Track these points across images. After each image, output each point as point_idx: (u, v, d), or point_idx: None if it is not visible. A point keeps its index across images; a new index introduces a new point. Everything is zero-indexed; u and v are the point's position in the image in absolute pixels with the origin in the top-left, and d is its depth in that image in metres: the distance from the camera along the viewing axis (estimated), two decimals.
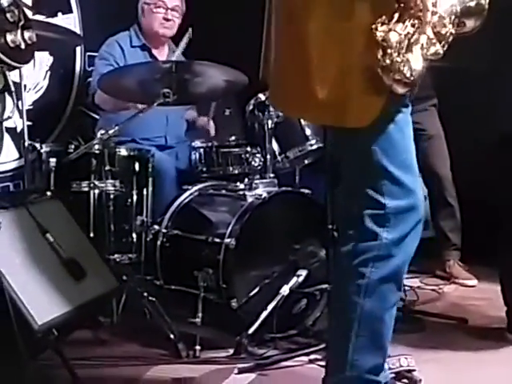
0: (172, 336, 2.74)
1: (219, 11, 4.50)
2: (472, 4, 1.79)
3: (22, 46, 1.54)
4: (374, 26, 1.71)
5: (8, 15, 1.49)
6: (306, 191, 3.12)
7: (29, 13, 1.56)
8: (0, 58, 1.47)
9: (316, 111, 1.81)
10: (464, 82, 3.12)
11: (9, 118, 2.49)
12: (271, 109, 3.22)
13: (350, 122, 1.79)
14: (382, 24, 1.72)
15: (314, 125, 3.24)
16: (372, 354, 1.87)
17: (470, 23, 1.81)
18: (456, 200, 4.01)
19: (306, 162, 3.45)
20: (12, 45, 1.51)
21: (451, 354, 2.71)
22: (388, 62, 1.71)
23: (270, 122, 3.21)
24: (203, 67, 3.12)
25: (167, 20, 3.79)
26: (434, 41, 1.73)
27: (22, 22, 1.55)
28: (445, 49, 1.76)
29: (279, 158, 3.31)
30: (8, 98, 2.21)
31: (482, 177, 3.60)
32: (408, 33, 1.72)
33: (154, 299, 2.92)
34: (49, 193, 2.70)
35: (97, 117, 4.03)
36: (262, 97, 3.26)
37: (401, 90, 1.75)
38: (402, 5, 1.73)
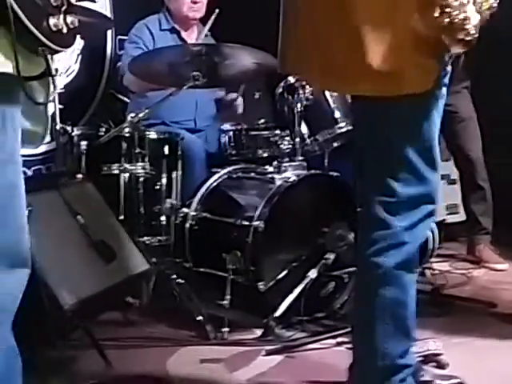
0: (200, 318, 2.77)
1: None
2: None
3: (64, 30, 1.55)
4: None
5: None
6: (335, 174, 3.11)
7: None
8: (42, 41, 1.48)
9: (370, 82, 1.73)
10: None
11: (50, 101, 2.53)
12: (301, 91, 3.21)
13: (410, 88, 1.72)
14: None
15: (343, 107, 3.23)
16: (400, 339, 1.87)
17: None
18: (488, 183, 3.97)
19: (335, 144, 3.43)
20: (54, 29, 1.51)
21: (479, 339, 2.70)
22: (447, 20, 1.65)
23: (299, 104, 3.21)
24: (233, 50, 3.12)
25: (195, 3, 3.78)
26: None
27: (64, 7, 1.55)
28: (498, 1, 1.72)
29: (308, 141, 3.30)
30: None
31: None
32: None
33: (182, 281, 2.96)
34: (80, 175, 2.73)
35: (127, 100, 4.05)
36: (291, 79, 3.25)
37: (461, 49, 1.71)
38: None
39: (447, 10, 1.65)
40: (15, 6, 1.39)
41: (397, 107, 1.77)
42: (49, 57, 1.64)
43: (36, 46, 1.49)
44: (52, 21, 1.52)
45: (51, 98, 1.68)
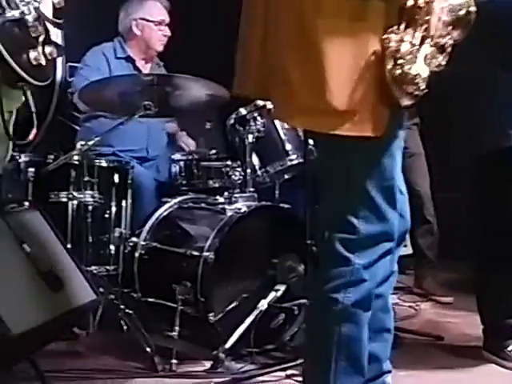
0: (148, 349, 2.72)
1: (200, 23, 4.50)
2: (462, 13, 1.76)
3: (43, 63, 1.52)
4: (385, 36, 1.69)
5: (31, 30, 1.46)
6: (286, 206, 3.13)
7: (49, 26, 1.54)
8: (23, 77, 1.44)
9: (326, 118, 1.72)
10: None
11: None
12: (252, 123, 3.23)
13: (361, 130, 1.72)
14: (392, 33, 1.69)
15: (294, 139, 3.26)
16: (353, 376, 1.85)
17: (458, 33, 1.78)
18: (434, 217, 4.04)
19: (286, 176, 3.45)
20: (35, 62, 1.48)
21: (427, 371, 2.72)
22: (399, 72, 1.68)
23: (250, 136, 3.22)
24: (184, 80, 3.12)
25: (165, 36, 3.84)
26: (437, 52, 1.73)
27: (42, 37, 1.52)
28: (446, 60, 1.76)
29: (259, 173, 3.30)
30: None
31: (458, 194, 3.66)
32: (415, 43, 1.70)
33: (131, 312, 2.91)
34: (27, 203, 2.67)
35: (77, 127, 4.01)
36: (242, 111, 3.27)
37: (408, 102, 1.73)
38: (408, 13, 1.69)
39: (400, 61, 1.68)
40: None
41: (357, 145, 1.76)
42: (28, 92, 1.61)
43: (15, 81, 1.46)
44: (32, 54, 1.49)
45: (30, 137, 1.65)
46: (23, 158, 3.10)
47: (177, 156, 3.51)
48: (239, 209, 3.02)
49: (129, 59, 3.85)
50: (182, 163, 3.47)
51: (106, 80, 3.36)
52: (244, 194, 3.16)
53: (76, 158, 3.06)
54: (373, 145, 1.75)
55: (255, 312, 2.84)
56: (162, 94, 3.12)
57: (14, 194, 3.07)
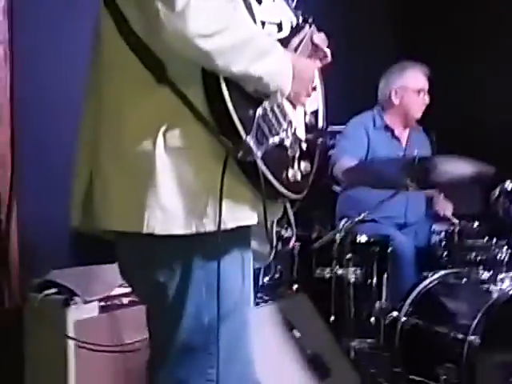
0: None
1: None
2: None
3: (299, 178, 1.66)
4: None
5: (289, 151, 1.62)
6: None
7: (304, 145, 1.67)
8: (282, 193, 1.60)
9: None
10: None
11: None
12: None
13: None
14: None
15: None
16: None
17: None
18: None
19: None
20: (292, 179, 1.62)
21: None
22: None
23: None
24: (448, 160, 3.09)
25: (425, 104, 3.84)
26: None
27: (298, 154, 1.66)
28: None
29: None
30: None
31: None
32: None
33: None
34: (296, 285, 2.80)
35: (337, 189, 4.08)
36: (509, 184, 3.16)
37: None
38: None
39: None
40: (263, 168, 1.49)
41: None
42: (287, 205, 1.75)
43: (276, 196, 1.59)
44: (291, 172, 1.60)
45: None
46: (288, 233, 3.25)
47: (436, 227, 3.47)
48: (506, 289, 2.92)
49: (387, 128, 3.88)
50: (442, 234, 3.43)
51: (369, 162, 3.42)
52: (510, 274, 3.04)
53: (339, 235, 3.15)
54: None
55: None
56: (424, 170, 3.11)
57: (281, 270, 3.22)
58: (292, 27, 1.68)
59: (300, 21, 1.71)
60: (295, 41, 1.67)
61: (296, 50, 1.66)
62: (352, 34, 4.48)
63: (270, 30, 1.61)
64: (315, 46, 1.71)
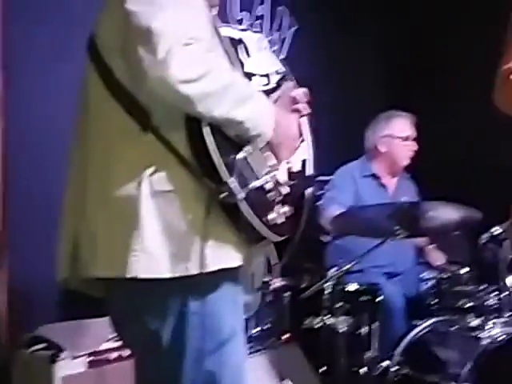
0: None
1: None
2: None
3: (279, 222, 1.68)
4: None
5: (270, 195, 1.65)
6: None
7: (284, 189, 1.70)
8: (264, 236, 1.63)
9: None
10: None
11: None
12: (507, 242, 3.10)
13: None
14: None
15: None
16: None
17: None
18: None
19: None
20: (272, 223, 1.65)
21: None
22: None
23: (506, 256, 3.09)
24: (436, 206, 3.11)
25: (411, 151, 3.87)
26: None
27: (279, 198, 1.68)
28: None
29: None
30: None
31: None
32: None
33: None
34: (286, 336, 2.78)
35: (325, 239, 4.08)
36: (497, 229, 3.16)
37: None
38: None
39: None
40: (246, 209, 1.51)
41: None
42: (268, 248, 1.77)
43: (258, 238, 1.60)
44: (271, 215, 1.62)
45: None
46: (279, 283, 3.24)
47: (425, 275, 3.47)
48: (495, 336, 2.90)
49: (374, 176, 3.91)
50: (431, 282, 3.42)
51: (358, 209, 3.43)
52: (501, 319, 3.02)
53: (328, 283, 3.14)
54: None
55: None
56: (412, 216, 3.13)
57: (272, 320, 3.19)
58: (278, 80, 1.72)
59: (283, 75, 1.76)
60: (276, 94, 1.72)
61: (275, 102, 1.70)
62: (339, 85, 4.55)
63: (258, 81, 1.66)
64: (294, 99, 1.74)
